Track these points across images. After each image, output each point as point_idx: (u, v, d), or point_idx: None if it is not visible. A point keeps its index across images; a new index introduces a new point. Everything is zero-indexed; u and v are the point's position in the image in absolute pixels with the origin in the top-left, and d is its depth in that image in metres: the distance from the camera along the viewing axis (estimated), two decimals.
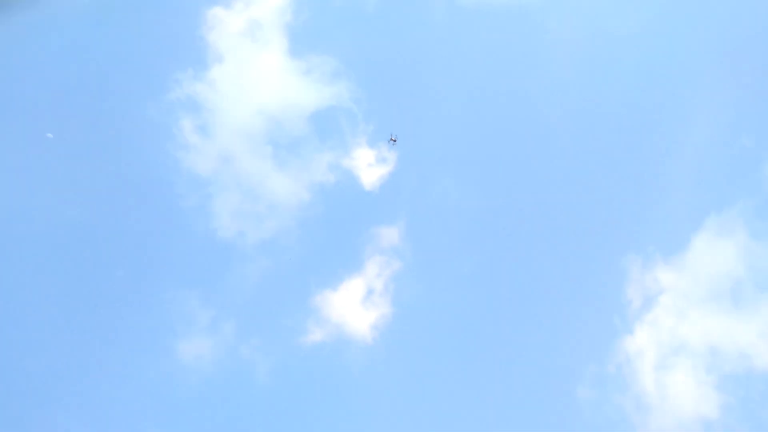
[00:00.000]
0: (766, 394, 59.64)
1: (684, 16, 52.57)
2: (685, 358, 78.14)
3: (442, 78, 50.02)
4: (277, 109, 47.60)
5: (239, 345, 42.10)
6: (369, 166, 47.04)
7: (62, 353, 40.20)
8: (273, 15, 50.24)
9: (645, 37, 51.77)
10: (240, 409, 41.96)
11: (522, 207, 48.51)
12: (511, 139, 48.81)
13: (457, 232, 47.24)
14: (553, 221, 49.14)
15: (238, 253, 44.28)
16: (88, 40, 45.39)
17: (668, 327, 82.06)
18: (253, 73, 46.76)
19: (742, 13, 51.41)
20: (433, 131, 49.21)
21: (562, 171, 48.72)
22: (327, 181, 47.28)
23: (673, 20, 52.83)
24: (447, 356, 44.16)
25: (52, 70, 44.64)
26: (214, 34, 47.56)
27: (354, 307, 51.22)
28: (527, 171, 48.35)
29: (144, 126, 44.08)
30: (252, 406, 42.10)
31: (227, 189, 44.25)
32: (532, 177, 48.22)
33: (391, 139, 65.20)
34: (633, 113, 51.06)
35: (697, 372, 72.56)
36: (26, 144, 42.83)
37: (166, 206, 43.01)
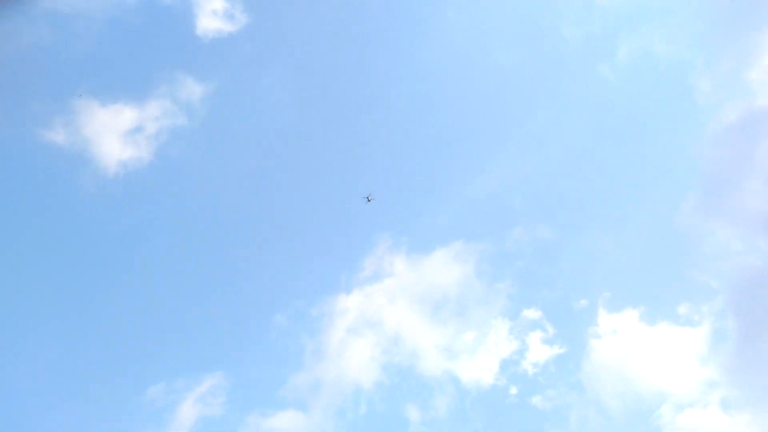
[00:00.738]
0: (412, 390, 73.83)
1: None
2: (374, 334, 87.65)
3: None
4: None
5: None
6: None
7: None
8: None
9: None
10: None
11: None
12: None
13: None
14: None
15: None
16: None
17: (377, 303, 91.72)
18: None
19: None
20: None
21: None
22: None
23: None
24: None
25: None
26: None
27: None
28: None
29: None
30: None
31: None
32: None
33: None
34: None
35: (375, 348, 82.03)
36: None
37: None
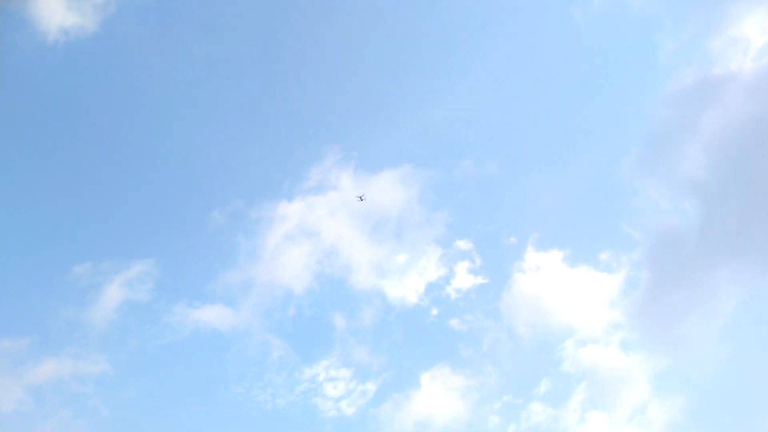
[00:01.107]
0: (341, 300, 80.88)
1: None
2: (311, 244, 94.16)
3: None
4: None
5: None
6: None
7: None
8: None
9: None
10: None
11: None
12: None
13: None
14: None
15: None
16: None
17: (318, 215, 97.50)
18: None
19: None
20: None
21: None
22: None
23: None
24: None
25: None
26: None
27: None
28: None
29: None
30: None
31: None
32: None
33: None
34: None
35: (310, 257, 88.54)
36: None
37: None
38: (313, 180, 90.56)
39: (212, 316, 79.36)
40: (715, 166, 74.32)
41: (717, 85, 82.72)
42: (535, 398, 71.73)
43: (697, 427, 68.08)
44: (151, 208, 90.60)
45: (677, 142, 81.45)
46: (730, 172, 72.55)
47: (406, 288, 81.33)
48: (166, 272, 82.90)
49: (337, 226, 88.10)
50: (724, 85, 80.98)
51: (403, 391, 74.34)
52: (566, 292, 79.65)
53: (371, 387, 74.66)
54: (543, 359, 75.78)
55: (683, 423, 68.11)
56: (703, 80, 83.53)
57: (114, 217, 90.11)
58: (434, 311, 79.84)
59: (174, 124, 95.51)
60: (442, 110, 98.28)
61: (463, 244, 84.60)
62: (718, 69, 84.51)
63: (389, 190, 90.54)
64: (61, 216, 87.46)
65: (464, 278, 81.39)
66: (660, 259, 76.30)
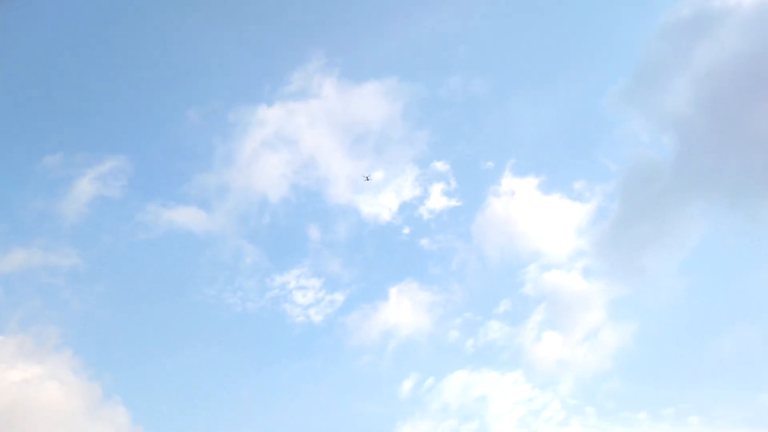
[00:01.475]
0: (316, 212, 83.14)
1: None
2: (289, 153, 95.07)
3: None
4: None
5: None
6: None
7: None
8: None
9: None
10: None
11: None
12: None
13: None
14: None
15: None
16: None
17: (298, 123, 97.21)
18: None
19: None
20: None
21: None
22: None
23: None
24: None
25: None
26: None
27: None
28: None
29: None
30: None
31: None
32: None
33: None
34: None
35: (287, 166, 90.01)
36: None
37: None
38: (295, 85, 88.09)
39: (186, 217, 79.47)
40: (699, 103, 73.84)
41: (714, 18, 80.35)
42: (494, 317, 74.59)
43: (644, 353, 71.90)
44: (126, 102, 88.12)
45: (665, 75, 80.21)
46: (713, 109, 72.23)
47: (381, 206, 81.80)
48: (139, 169, 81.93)
49: (316, 137, 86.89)
50: (721, 19, 78.78)
51: (371, 302, 76.63)
52: (537, 218, 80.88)
53: (340, 297, 76.73)
54: (507, 281, 78.11)
55: (632, 348, 71.83)
56: (701, 12, 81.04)
57: (87, 109, 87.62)
58: (406, 230, 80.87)
59: (155, 15, 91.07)
60: (434, 23, 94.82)
61: (440, 166, 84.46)
62: (717, 1, 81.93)
63: (373, 102, 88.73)
64: (33, 104, 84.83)
65: (438, 200, 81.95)
66: (632, 192, 77.29)
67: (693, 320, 73.01)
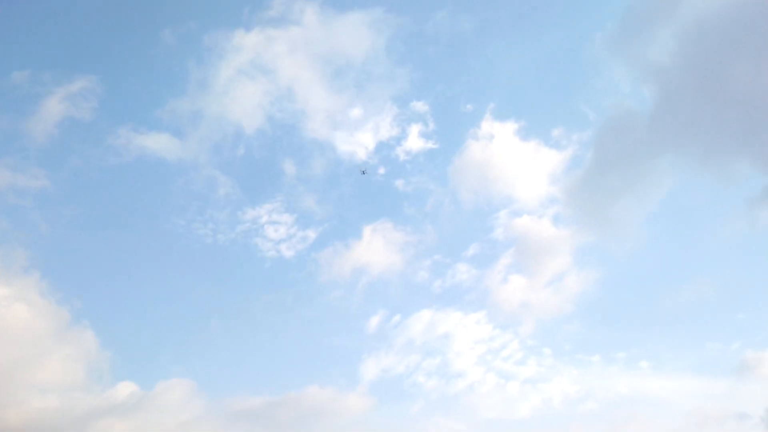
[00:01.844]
0: (292, 146, 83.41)
1: None
2: (266, 82, 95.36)
3: None
4: None
5: None
6: None
7: None
8: None
9: None
10: None
11: None
12: None
13: None
14: None
15: None
16: None
17: (277, 51, 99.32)
18: None
19: None
20: None
21: None
22: None
23: None
24: None
25: None
26: None
27: None
28: None
29: None
30: None
31: None
32: None
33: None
34: None
35: (264, 96, 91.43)
36: None
37: None
38: (275, 10, 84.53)
39: (158, 144, 77.93)
40: (683, 54, 73.10)
41: None
42: (463, 260, 76.11)
43: (603, 299, 74.59)
44: (97, 17, 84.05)
45: (651, 25, 78.73)
46: (695, 63, 71.67)
47: (357, 144, 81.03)
48: (111, 91, 79.33)
49: (295, 67, 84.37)
50: None
51: (344, 240, 77.34)
52: (513, 164, 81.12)
53: (312, 234, 77.21)
54: (478, 225, 79.22)
55: (593, 294, 74.40)
56: None
57: (58, 23, 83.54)
58: (381, 170, 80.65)
59: None
60: None
61: (419, 106, 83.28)
62: None
63: (356, 34, 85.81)
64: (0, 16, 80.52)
65: (415, 141, 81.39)
66: (607, 142, 77.60)
67: (653, 270, 75.54)
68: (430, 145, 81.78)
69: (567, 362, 68.89)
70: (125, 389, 61.32)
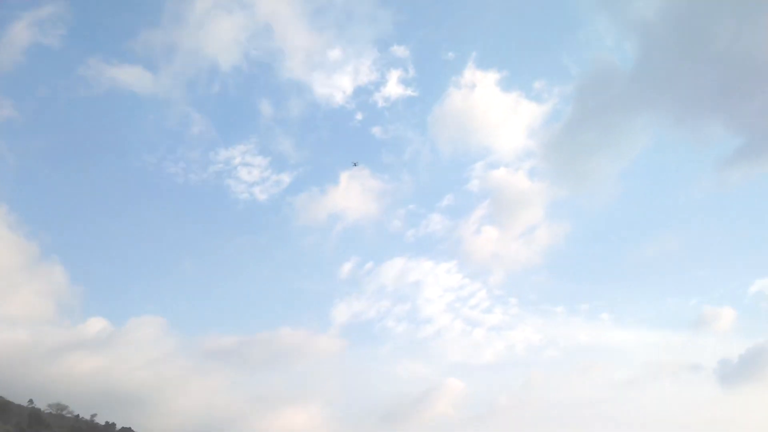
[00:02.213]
0: (269, 86, 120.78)
1: None
2: (244, 17, 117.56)
3: None
4: None
5: None
6: None
7: None
8: None
9: None
10: None
11: None
12: None
13: None
14: None
15: None
16: None
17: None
18: None
19: None
20: None
21: None
22: None
23: None
24: None
25: None
26: None
27: None
28: None
29: None
30: None
31: None
32: None
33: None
34: None
35: (242, 32, 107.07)
36: None
37: None
38: None
39: (130, 76, 75.63)
40: (668, 10, 72.79)
41: None
42: (437, 210, 76.92)
43: (571, 252, 76.64)
44: None
45: None
46: (679, 18, 71.50)
47: (335, 87, 79.92)
48: (81, 19, 76.05)
49: (274, 1, 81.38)
50: None
51: (321, 185, 77.20)
52: (493, 115, 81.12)
53: (287, 178, 76.85)
54: (454, 176, 79.75)
55: (562, 247, 76.37)
56: None
57: None
58: (359, 116, 79.81)
59: None
60: None
61: (400, 51, 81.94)
62: None
63: None
64: None
65: (394, 88, 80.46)
66: (586, 97, 78.02)
67: (622, 226, 77.62)
68: (409, 92, 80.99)
69: (532, 312, 71.35)
70: (96, 325, 61.69)
